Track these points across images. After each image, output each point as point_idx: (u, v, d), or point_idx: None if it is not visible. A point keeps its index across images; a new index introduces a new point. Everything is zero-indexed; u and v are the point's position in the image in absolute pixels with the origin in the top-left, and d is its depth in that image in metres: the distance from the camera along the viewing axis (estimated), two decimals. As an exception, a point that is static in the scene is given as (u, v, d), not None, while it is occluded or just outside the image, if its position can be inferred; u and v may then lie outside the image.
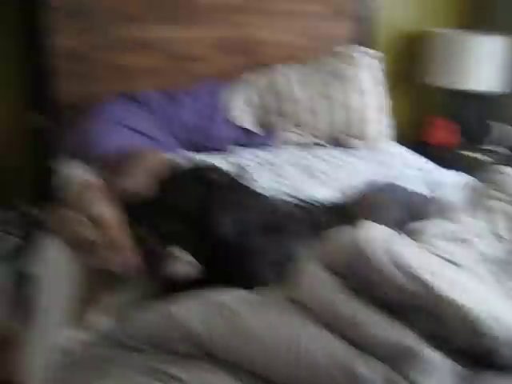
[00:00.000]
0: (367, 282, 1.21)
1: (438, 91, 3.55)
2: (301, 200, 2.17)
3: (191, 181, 1.67)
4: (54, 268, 1.83)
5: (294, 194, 2.26)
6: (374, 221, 1.64)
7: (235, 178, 1.73)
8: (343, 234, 1.30)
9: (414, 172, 2.68)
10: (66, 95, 2.88)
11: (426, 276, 1.15)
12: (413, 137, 3.57)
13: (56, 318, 1.56)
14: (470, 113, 3.49)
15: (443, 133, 3.44)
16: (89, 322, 1.46)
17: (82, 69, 2.89)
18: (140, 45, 2.95)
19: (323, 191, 2.36)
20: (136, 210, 1.57)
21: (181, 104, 2.93)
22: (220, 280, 1.45)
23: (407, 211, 1.80)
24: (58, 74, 2.85)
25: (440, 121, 3.47)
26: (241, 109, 3.04)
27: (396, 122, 3.21)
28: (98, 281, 1.59)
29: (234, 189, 1.63)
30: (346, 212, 1.72)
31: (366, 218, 1.64)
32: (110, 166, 2.05)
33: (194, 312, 1.20)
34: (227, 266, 1.49)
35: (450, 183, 2.42)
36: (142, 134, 2.76)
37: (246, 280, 1.42)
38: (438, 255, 1.29)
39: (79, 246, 1.53)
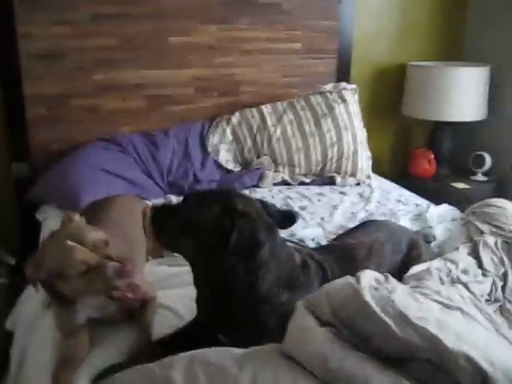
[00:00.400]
0: (361, 332, 1.17)
1: (417, 122, 3.59)
2: (297, 243, 2.15)
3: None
4: (32, 327, 1.78)
5: (287, 237, 2.24)
6: (373, 264, 1.64)
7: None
8: (338, 284, 1.27)
9: (400, 206, 2.67)
10: (48, 142, 2.88)
11: (430, 327, 1.12)
12: (394, 169, 3.60)
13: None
14: (450, 142, 3.52)
15: (425, 163, 3.45)
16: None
17: (61, 114, 2.88)
18: (119, 89, 2.94)
19: (312, 232, 2.33)
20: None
21: (163, 147, 2.92)
22: (221, 325, 1.42)
23: (403, 252, 1.78)
24: (38, 121, 2.82)
25: (421, 152, 3.49)
26: (224, 149, 3.03)
27: (376, 155, 3.22)
28: (80, 339, 1.54)
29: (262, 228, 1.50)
30: (347, 258, 1.68)
31: (367, 262, 1.65)
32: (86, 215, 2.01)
33: (178, 371, 1.16)
34: (238, 313, 1.43)
35: (438, 216, 2.42)
36: (125, 179, 2.73)
37: (256, 329, 1.39)
38: (434, 300, 1.26)
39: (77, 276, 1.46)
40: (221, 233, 1.36)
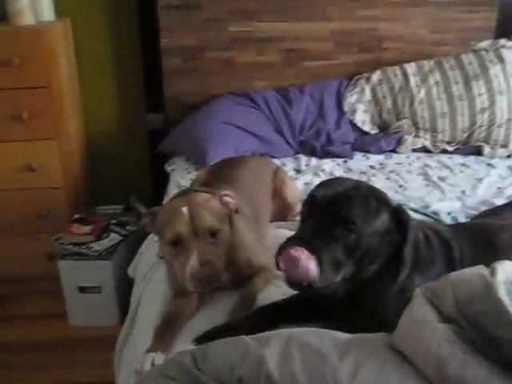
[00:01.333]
0: (491, 335, 0.97)
1: None
2: (430, 217, 1.95)
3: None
4: (147, 277, 1.78)
5: (420, 208, 2.05)
6: None
7: None
8: (467, 273, 1.07)
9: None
10: (182, 94, 2.86)
11: None
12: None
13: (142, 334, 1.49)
14: None
15: None
16: (167, 347, 1.37)
17: (196, 66, 2.84)
18: (255, 42, 2.84)
19: (449, 205, 2.10)
20: None
21: (297, 104, 2.79)
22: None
23: None
24: (173, 72, 2.81)
25: None
26: (362, 109, 2.83)
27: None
28: (188, 300, 1.49)
29: None
30: (485, 237, 1.45)
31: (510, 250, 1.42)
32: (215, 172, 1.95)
33: (273, 349, 1.04)
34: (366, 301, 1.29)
35: None
36: (255, 135, 2.65)
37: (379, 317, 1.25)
38: None
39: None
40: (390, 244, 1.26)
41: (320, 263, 1.15)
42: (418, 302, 1.07)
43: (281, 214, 2.01)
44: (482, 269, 1.07)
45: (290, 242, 1.18)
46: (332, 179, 1.33)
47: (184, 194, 1.55)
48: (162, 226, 1.43)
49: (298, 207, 2.06)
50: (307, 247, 1.15)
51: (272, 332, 1.16)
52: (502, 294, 0.99)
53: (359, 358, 1.01)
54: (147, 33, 2.76)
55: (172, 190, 2.36)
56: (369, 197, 1.23)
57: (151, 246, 1.93)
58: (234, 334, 1.19)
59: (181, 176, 2.47)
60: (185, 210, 1.39)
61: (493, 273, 1.05)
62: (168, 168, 2.63)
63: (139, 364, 1.33)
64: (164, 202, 2.03)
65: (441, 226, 1.54)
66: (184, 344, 1.34)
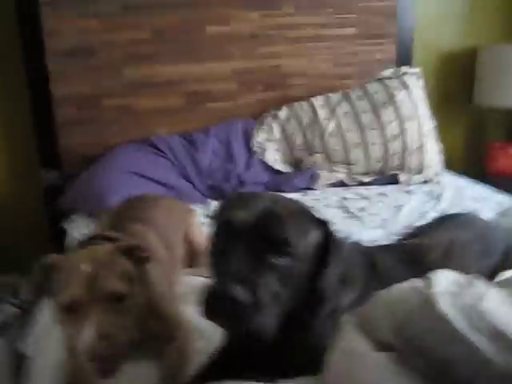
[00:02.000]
0: (438, 358, 0.80)
1: (492, 112, 3.14)
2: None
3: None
4: (45, 348, 1.50)
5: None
6: (451, 266, 1.27)
7: None
8: (400, 290, 0.90)
9: (479, 205, 2.25)
10: (78, 146, 2.63)
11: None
12: (469, 167, 3.16)
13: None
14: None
15: (505, 159, 2.99)
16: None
17: (92, 115, 2.63)
18: (154, 86, 2.68)
19: (371, 234, 1.97)
20: None
21: (202, 147, 2.63)
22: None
23: (497, 257, 1.38)
24: (67, 123, 2.59)
25: (500, 145, 3.03)
26: (272, 148, 2.70)
27: (445, 150, 2.79)
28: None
29: None
30: (412, 256, 1.31)
31: (441, 264, 1.28)
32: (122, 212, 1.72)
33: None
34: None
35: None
36: (160, 183, 2.45)
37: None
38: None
39: None
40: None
41: (260, 304, 0.94)
42: (348, 331, 0.89)
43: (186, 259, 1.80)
44: (415, 282, 0.91)
45: (223, 284, 0.94)
46: (241, 197, 1.09)
47: (88, 243, 1.30)
48: (57, 285, 1.16)
49: (204, 254, 1.89)
50: (245, 287, 0.92)
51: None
52: (445, 306, 0.82)
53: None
54: (37, 82, 2.53)
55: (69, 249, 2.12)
56: (295, 212, 1.04)
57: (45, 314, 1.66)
58: None
59: (79, 234, 2.22)
60: (84, 267, 1.13)
61: (429, 285, 0.88)
62: (66, 226, 2.37)
63: None
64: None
65: (365, 246, 1.39)
66: None
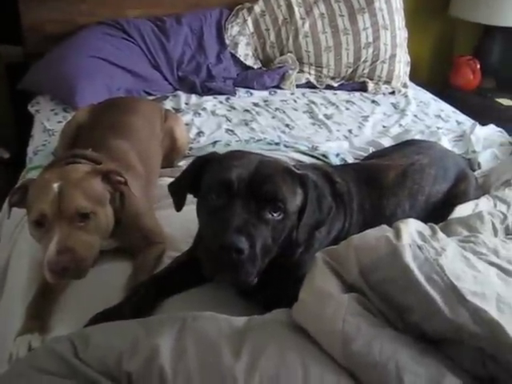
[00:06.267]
0: (397, 303, 0.91)
1: (464, 26, 3.13)
2: (318, 159, 1.86)
3: None
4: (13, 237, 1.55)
5: (308, 151, 1.96)
6: (404, 191, 1.37)
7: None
8: (371, 236, 0.98)
9: (440, 123, 2.33)
10: (43, 23, 2.50)
11: (489, 308, 0.85)
12: (434, 78, 3.19)
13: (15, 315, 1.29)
14: (499, 52, 3.09)
15: (469, 74, 3.04)
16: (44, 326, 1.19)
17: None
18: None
19: (337, 145, 2.04)
20: None
21: (174, 36, 2.56)
22: None
23: (450, 182, 1.49)
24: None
25: (466, 60, 3.06)
26: (244, 43, 2.66)
27: (414, 60, 2.81)
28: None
29: None
30: (372, 175, 1.40)
31: (396, 188, 1.37)
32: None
33: (166, 341, 0.91)
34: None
35: (484, 140, 2.08)
36: (131, 71, 2.42)
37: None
38: (491, 263, 0.98)
39: None
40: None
41: (255, 255, 1.03)
42: (319, 270, 0.98)
43: (167, 158, 1.84)
44: (386, 230, 0.99)
45: (228, 234, 1.00)
46: (233, 156, 1.16)
47: (65, 161, 1.34)
48: (30, 201, 1.23)
49: (187, 150, 1.94)
50: (246, 238, 1.01)
51: (164, 316, 1.03)
52: (409, 258, 0.92)
53: (257, 348, 0.90)
54: None
55: (37, 134, 2.10)
56: (282, 171, 1.12)
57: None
58: (119, 315, 1.05)
59: (46, 118, 2.21)
60: (55, 186, 1.19)
61: (398, 234, 0.97)
62: (31, 109, 2.32)
63: (14, 349, 1.16)
64: (39, 174, 1.77)
65: (328, 167, 1.47)
66: (62, 323, 1.17)
